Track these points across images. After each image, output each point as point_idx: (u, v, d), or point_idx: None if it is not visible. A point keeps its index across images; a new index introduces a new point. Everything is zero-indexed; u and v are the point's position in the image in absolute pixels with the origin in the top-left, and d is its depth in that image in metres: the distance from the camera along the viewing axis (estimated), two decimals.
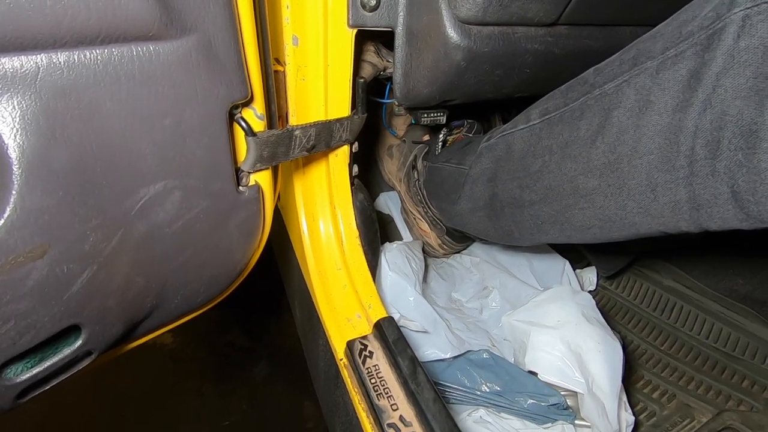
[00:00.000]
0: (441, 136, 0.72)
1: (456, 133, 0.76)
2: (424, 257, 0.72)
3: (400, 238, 0.82)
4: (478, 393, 0.56)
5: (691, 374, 0.68)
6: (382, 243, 0.66)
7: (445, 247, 0.77)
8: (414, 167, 0.77)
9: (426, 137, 0.81)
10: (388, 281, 0.60)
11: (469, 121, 0.76)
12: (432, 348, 0.58)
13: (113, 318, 0.32)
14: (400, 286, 0.60)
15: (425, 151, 0.76)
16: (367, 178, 0.90)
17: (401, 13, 0.44)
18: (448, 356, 0.57)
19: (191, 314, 0.42)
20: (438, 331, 0.59)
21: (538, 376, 0.56)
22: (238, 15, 0.32)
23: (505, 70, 0.47)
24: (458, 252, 0.81)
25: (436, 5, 0.41)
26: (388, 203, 0.87)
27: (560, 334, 0.57)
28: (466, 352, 0.59)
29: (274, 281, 0.88)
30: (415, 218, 0.77)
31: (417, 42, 0.45)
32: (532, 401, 0.55)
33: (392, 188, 0.87)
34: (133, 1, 0.25)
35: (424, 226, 0.75)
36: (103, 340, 0.32)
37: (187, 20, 0.28)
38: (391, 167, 0.85)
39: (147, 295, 0.35)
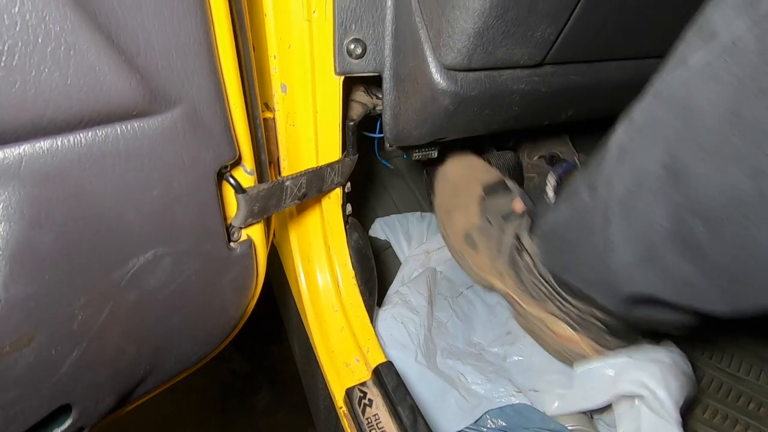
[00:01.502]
0: (551, 184, 0.48)
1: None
2: (431, 296, 0.67)
3: (399, 264, 0.81)
4: (484, 430, 0.55)
5: (696, 397, 0.67)
6: (380, 272, 0.64)
7: (608, 353, 0.51)
8: (521, 249, 0.52)
9: (518, 205, 0.53)
10: (387, 355, 0.54)
11: (582, 155, 0.55)
12: (443, 420, 0.54)
13: (105, 391, 0.32)
14: (400, 359, 0.56)
15: (528, 224, 0.52)
16: (361, 207, 0.90)
17: (388, 59, 0.44)
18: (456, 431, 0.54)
19: (186, 372, 0.41)
20: (448, 401, 0.55)
21: None
22: (224, 80, 0.32)
23: (494, 109, 0.47)
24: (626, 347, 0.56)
25: (421, 53, 0.41)
26: (384, 229, 0.87)
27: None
28: (483, 414, 0.55)
29: (274, 307, 0.87)
30: (543, 323, 0.52)
31: (405, 86, 0.45)
32: None
33: (486, 287, 0.62)
34: (115, 85, 0.25)
35: (564, 330, 0.49)
36: (95, 414, 0.31)
37: (171, 94, 0.28)
38: (479, 261, 0.58)
39: (140, 362, 0.34)
